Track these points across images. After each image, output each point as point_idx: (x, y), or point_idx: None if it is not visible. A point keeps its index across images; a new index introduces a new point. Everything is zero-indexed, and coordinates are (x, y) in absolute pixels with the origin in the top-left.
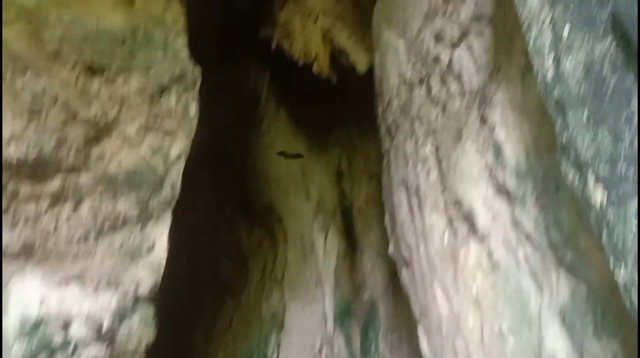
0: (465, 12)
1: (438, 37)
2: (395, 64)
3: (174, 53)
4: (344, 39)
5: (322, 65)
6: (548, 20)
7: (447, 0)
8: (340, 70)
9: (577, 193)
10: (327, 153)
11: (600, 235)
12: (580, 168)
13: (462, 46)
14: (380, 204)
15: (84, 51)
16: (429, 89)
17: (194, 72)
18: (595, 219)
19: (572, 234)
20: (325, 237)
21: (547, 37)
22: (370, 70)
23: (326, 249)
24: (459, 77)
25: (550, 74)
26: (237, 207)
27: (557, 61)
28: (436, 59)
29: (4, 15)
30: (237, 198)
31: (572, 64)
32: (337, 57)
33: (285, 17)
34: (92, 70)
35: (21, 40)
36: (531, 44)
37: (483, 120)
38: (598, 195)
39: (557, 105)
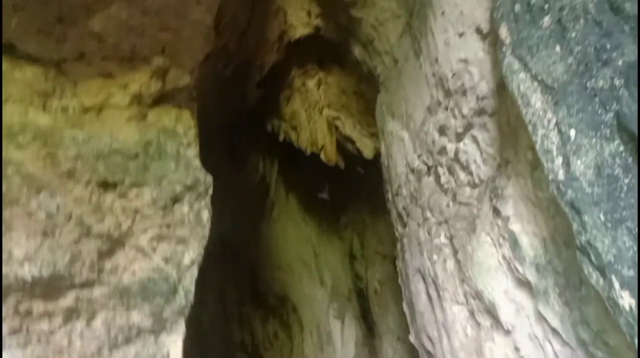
0: (467, 107)
1: (442, 130)
2: (402, 153)
3: (186, 163)
4: (349, 128)
5: (329, 154)
6: (553, 122)
7: (448, 94)
8: (347, 154)
9: (603, 295)
10: (339, 236)
11: (633, 337)
12: (604, 270)
13: (467, 138)
14: (396, 285)
15: (98, 168)
16: (437, 178)
17: (206, 180)
18: (626, 323)
19: (601, 331)
20: (342, 324)
21: (554, 139)
22: (378, 154)
23: (343, 337)
24: (466, 168)
25: (561, 175)
26: (250, 298)
27: (566, 163)
28: (442, 150)
29: (20, 140)
30: (250, 289)
31: (582, 166)
32: (343, 144)
33: (291, 110)
34: (106, 185)
35: (36, 161)
36: (538, 144)
37: (496, 212)
38: (626, 299)
39: (572, 207)
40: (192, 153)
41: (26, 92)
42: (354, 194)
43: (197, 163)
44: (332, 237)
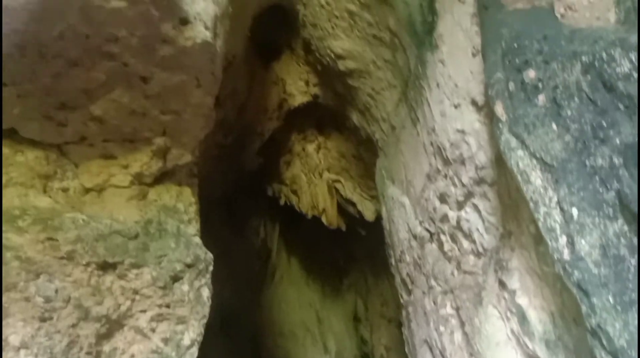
0: (466, 176)
1: (442, 197)
2: (403, 218)
3: (187, 241)
4: (350, 190)
5: (330, 218)
6: (554, 201)
7: (447, 163)
8: (348, 217)
9: None
10: (342, 298)
11: None
12: (617, 356)
13: (468, 207)
14: (402, 350)
15: (98, 250)
16: (440, 245)
17: (206, 257)
18: None
19: None
20: None
21: (557, 218)
22: (379, 216)
23: None
24: (469, 236)
25: (566, 255)
26: None
27: (571, 242)
28: (444, 218)
29: (20, 223)
30: None
31: (587, 246)
32: (344, 206)
33: (291, 175)
34: (105, 267)
35: (36, 245)
36: (541, 222)
37: (502, 284)
38: None
39: (579, 288)
40: (193, 230)
41: (27, 176)
42: (355, 256)
43: (197, 240)
44: (335, 300)
